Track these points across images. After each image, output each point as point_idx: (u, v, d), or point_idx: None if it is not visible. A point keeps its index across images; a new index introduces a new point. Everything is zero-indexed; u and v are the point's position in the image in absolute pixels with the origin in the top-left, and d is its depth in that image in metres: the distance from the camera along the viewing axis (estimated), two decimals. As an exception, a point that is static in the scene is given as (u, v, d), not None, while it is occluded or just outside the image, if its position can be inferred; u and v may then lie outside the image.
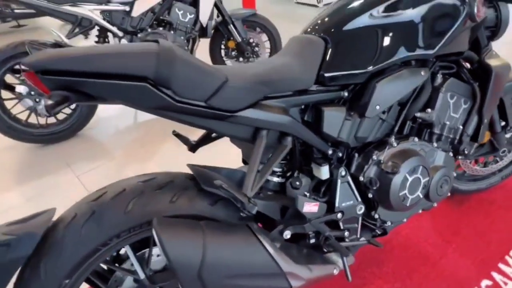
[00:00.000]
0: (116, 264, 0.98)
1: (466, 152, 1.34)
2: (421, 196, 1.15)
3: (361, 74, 1.01)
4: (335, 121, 1.01)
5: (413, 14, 1.02)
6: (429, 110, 1.15)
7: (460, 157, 1.47)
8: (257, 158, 0.90)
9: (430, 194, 1.19)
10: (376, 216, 1.15)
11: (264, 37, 3.02)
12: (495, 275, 1.42)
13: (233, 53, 2.99)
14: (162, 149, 2.35)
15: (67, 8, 2.17)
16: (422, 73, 1.09)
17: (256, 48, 3.00)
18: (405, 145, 1.13)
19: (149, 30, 2.41)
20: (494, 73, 1.22)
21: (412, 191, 1.12)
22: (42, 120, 2.39)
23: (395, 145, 1.10)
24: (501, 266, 1.45)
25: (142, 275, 0.94)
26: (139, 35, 2.38)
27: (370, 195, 1.11)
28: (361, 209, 1.11)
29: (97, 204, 0.84)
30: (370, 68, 1.01)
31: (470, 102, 1.25)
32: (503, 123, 1.50)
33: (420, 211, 1.29)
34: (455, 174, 1.29)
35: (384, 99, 1.04)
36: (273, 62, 0.98)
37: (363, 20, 1.00)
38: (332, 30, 1.02)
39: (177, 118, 0.83)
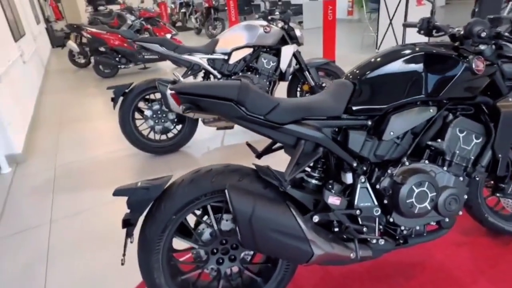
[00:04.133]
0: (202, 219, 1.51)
1: (504, 188, 1.57)
2: (429, 208, 1.40)
3: (378, 109, 1.37)
4: (357, 140, 1.37)
5: (420, 67, 1.36)
6: (439, 140, 1.43)
7: (498, 194, 1.69)
8: (295, 157, 1.33)
9: (439, 208, 1.43)
10: (391, 219, 1.45)
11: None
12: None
13: (307, 95, 3.53)
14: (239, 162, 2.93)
15: (185, 56, 3.01)
16: (431, 110, 1.41)
17: (327, 91, 3.48)
18: (416, 165, 1.43)
19: (240, 73, 3.11)
20: (503, 116, 1.46)
21: (420, 201, 1.38)
22: (157, 137, 3.22)
23: (407, 164, 1.42)
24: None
25: (216, 227, 1.43)
26: (232, 77, 3.10)
27: (385, 201, 1.41)
28: (377, 211, 1.41)
29: (196, 175, 1.37)
30: (385, 106, 1.37)
31: (483, 138, 1.48)
32: None
33: (434, 223, 1.52)
34: (466, 197, 1.50)
35: (397, 128, 1.38)
36: (315, 97, 1.44)
37: (382, 70, 1.37)
38: (358, 76, 1.40)
39: (247, 126, 1.34)
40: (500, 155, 1.50)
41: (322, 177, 1.48)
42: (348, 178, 1.42)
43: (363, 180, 1.40)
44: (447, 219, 1.51)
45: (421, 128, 1.45)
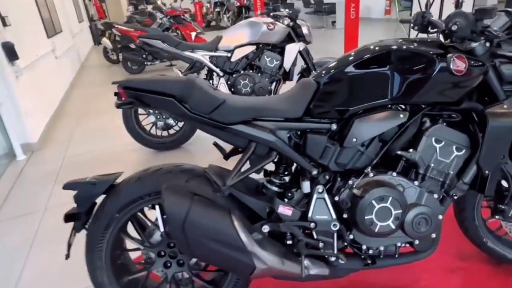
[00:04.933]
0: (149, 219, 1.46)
1: (504, 210, 1.36)
2: (394, 227, 1.23)
3: (341, 112, 1.23)
4: (316, 146, 1.24)
5: (388, 67, 1.20)
6: (411, 150, 1.25)
7: (497, 216, 1.47)
8: (242, 161, 1.24)
9: (405, 228, 1.25)
10: (351, 236, 1.29)
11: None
12: None
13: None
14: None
15: (187, 53, 3.00)
16: (402, 116, 1.23)
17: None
18: (381, 177, 1.26)
19: (242, 72, 3.05)
20: (490, 126, 1.23)
21: (381, 219, 1.22)
22: (159, 133, 3.24)
23: (371, 175, 1.25)
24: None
25: (162, 229, 1.38)
26: (234, 75, 3.05)
27: (345, 215, 1.27)
28: (335, 226, 1.26)
29: (143, 173, 1.33)
30: (349, 108, 1.23)
31: (467, 151, 1.28)
32: None
33: (403, 245, 1.33)
34: (440, 217, 1.29)
35: (361, 134, 1.23)
36: (273, 96, 1.32)
37: (347, 69, 1.23)
38: (323, 76, 1.27)
39: (194, 124, 1.29)
40: (487, 172, 1.28)
41: (284, 184, 1.37)
42: (306, 187, 1.30)
43: (320, 190, 1.27)
44: (417, 241, 1.33)
45: (391, 136, 1.28)
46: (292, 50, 3.04)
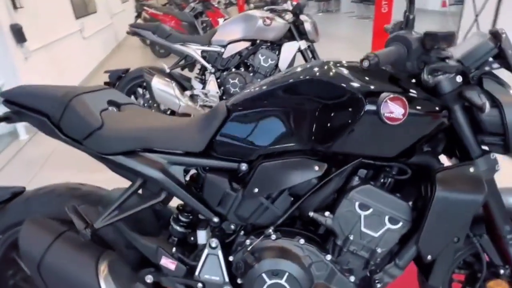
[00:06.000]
0: None
1: None
2: None
3: (247, 151, 0.98)
4: (215, 190, 1.01)
5: (304, 101, 0.93)
6: (327, 213, 0.97)
7: None
8: (121, 199, 1.04)
9: None
10: None
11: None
12: None
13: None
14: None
15: (177, 46, 2.83)
16: (316, 167, 0.94)
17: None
18: (284, 243, 0.99)
19: (233, 70, 2.82)
20: (436, 197, 0.88)
21: None
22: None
23: (273, 238, 1.00)
24: None
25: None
26: (225, 73, 2.83)
27: (239, 281, 1.03)
28: None
29: (34, 193, 1.16)
30: (255, 147, 0.97)
31: (406, 224, 0.95)
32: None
33: None
34: None
35: (263, 184, 0.97)
36: (172, 123, 1.09)
37: (260, 98, 0.97)
38: (235, 102, 1.01)
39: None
40: (429, 257, 0.95)
41: (191, 225, 1.15)
42: (201, 237, 1.08)
43: (214, 244, 1.03)
44: None
45: (305, 191, 0.99)
46: (289, 49, 2.75)
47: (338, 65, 0.97)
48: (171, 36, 2.82)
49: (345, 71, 0.93)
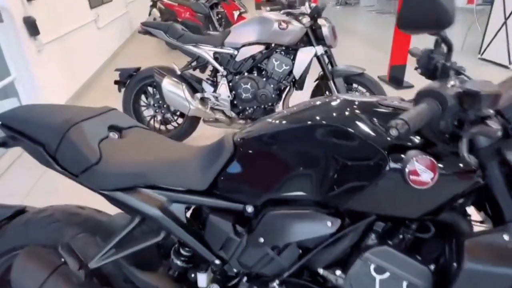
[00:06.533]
0: None
1: None
2: None
3: (254, 194, 0.91)
4: (218, 233, 0.96)
5: (321, 148, 0.83)
6: (338, 272, 0.90)
7: None
8: (118, 236, 0.99)
9: None
10: None
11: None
12: None
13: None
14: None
15: (189, 47, 2.75)
16: (329, 223, 0.87)
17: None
18: None
19: (246, 74, 2.73)
20: (465, 269, 0.76)
21: None
22: (157, 126, 3.10)
23: None
24: None
25: None
26: (237, 77, 2.74)
27: None
28: None
29: (33, 216, 1.13)
30: (263, 192, 0.90)
31: None
32: None
33: None
34: None
35: (270, 235, 0.91)
36: (176, 150, 1.03)
37: (269, 135, 0.89)
38: (243, 137, 0.93)
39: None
40: None
41: (191, 261, 1.09)
42: (201, 280, 1.02)
43: None
44: None
45: (314, 245, 0.92)
46: (305, 54, 2.63)
47: (357, 105, 0.87)
48: (183, 37, 2.73)
49: (366, 118, 0.83)
